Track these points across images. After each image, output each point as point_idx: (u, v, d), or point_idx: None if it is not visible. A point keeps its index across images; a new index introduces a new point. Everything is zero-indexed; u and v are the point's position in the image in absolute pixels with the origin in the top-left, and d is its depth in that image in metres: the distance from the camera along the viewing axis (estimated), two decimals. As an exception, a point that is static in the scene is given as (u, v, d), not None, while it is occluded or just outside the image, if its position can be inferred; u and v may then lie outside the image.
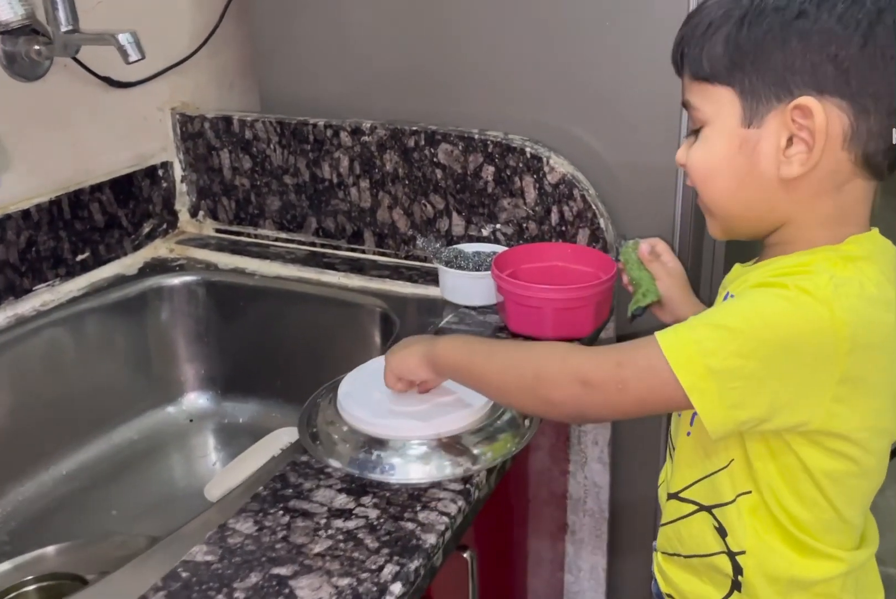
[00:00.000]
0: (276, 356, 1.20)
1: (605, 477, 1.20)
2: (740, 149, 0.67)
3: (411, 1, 1.14)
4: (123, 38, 0.97)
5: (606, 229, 1.07)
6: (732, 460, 0.71)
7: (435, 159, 1.12)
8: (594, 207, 1.06)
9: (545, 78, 1.10)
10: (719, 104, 0.67)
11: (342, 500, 0.69)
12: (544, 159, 1.06)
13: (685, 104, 0.71)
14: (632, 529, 1.25)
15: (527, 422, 0.80)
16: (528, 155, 1.07)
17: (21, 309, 1.08)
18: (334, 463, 0.74)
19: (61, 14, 0.99)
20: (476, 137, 1.09)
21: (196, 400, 1.23)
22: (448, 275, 1.05)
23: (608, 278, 0.95)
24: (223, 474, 1.08)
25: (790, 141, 0.65)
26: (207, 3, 1.29)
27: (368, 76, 1.21)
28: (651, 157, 1.07)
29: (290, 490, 0.70)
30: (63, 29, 1.00)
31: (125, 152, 1.21)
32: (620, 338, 1.07)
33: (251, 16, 1.28)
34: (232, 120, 1.24)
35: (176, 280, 1.20)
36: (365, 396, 0.79)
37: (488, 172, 1.10)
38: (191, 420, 1.22)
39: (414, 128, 1.12)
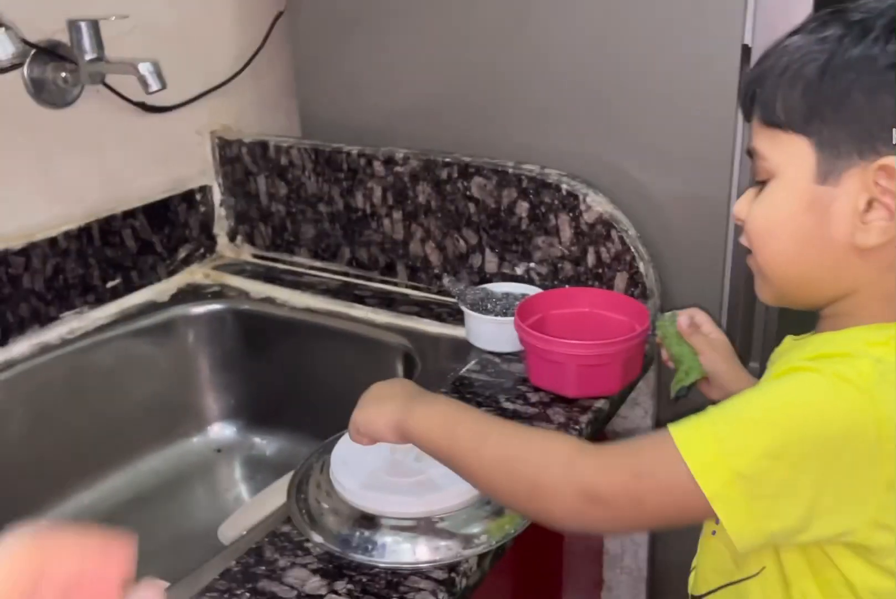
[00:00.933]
0: (303, 390, 1.17)
1: (644, 535, 1.12)
2: (810, 208, 0.59)
3: (453, 28, 1.09)
4: (144, 68, 0.94)
5: (646, 273, 0.99)
6: (764, 568, 0.63)
7: (468, 193, 1.07)
8: (633, 249, 0.98)
9: (587, 107, 1.03)
10: (791, 155, 0.59)
11: (315, 584, 0.64)
12: (581, 197, 0.99)
13: (751, 152, 0.63)
14: (672, 590, 1.17)
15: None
16: (564, 192, 1.00)
17: (46, 337, 1.07)
18: (316, 538, 0.69)
19: (85, 42, 0.97)
20: (510, 171, 1.03)
21: (223, 431, 1.21)
22: (472, 319, 0.99)
23: (639, 333, 0.87)
24: (238, 514, 1.05)
25: (870, 205, 0.57)
26: (252, 23, 1.26)
27: (408, 101, 1.16)
28: (700, 192, 0.99)
29: (263, 568, 0.66)
30: (87, 57, 0.98)
31: (160, 177, 1.20)
32: (660, 423, 0.95)
33: (293, 38, 1.24)
34: (268, 145, 1.20)
35: (204, 308, 1.17)
36: (359, 461, 0.74)
37: (522, 208, 1.03)
38: (218, 450, 1.20)
39: (447, 159, 1.07)
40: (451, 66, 1.11)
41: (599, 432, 0.90)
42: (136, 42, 1.11)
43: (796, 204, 0.59)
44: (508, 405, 0.88)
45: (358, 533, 0.68)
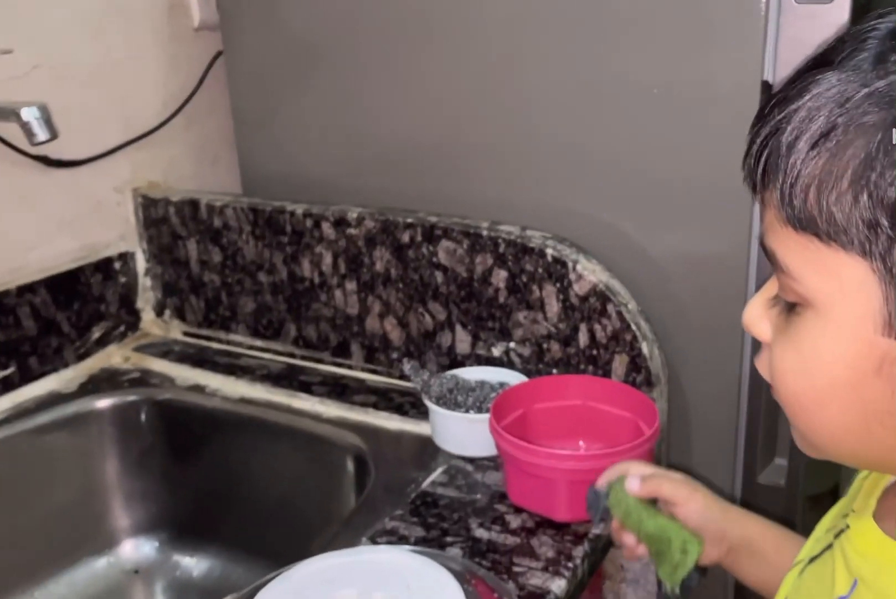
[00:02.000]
0: (236, 497, 0.96)
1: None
2: (879, 370, 0.37)
3: (415, 68, 0.92)
4: (28, 114, 0.76)
5: (650, 355, 0.80)
6: None
7: (434, 259, 0.88)
8: (634, 326, 0.80)
9: (575, 155, 0.86)
10: (841, 284, 0.37)
11: None
12: (570, 264, 0.81)
13: (768, 251, 0.40)
14: None
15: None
16: (550, 258, 0.82)
17: (-85, 441, 0.87)
18: None
19: (-40, 83, 0.80)
20: (485, 233, 0.85)
21: (139, 549, 0.99)
22: (439, 416, 0.80)
23: (647, 438, 0.68)
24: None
25: None
26: (184, 64, 1.10)
27: (364, 152, 0.99)
28: (713, 255, 0.82)
29: None
30: (-38, 101, 0.80)
31: (68, 244, 1.01)
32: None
33: (233, 81, 1.08)
34: (199, 204, 1.02)
35: (117, 400, 0.97)
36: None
37: (500, 277, 0.85)
38: (135, 572, 0.99)
39: (409, 220, 0.89)
40: (413, 110, 0.94)
41: (598, 566, 0.71)
42: (41, 84, 0.95)
43: (854, 363, 0.38)
44: (482, 534, 0.69)
45: None
